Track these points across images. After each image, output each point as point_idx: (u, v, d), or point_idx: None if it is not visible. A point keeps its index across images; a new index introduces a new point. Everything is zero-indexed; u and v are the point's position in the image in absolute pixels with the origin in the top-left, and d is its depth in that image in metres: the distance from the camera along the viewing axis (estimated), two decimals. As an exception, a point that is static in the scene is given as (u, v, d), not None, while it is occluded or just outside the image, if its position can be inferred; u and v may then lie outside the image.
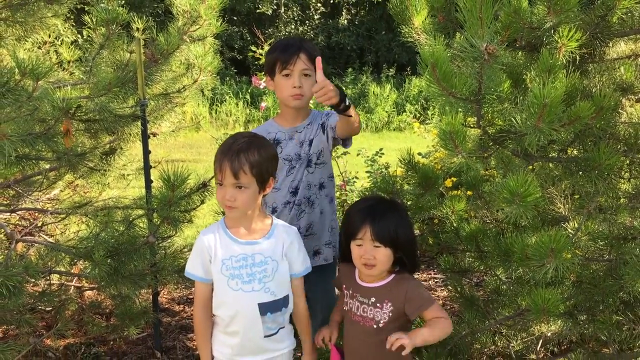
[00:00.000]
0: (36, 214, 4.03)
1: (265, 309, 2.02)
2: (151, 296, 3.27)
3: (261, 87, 5.51)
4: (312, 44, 2.47)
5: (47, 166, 3.05)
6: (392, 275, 2.06)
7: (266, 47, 5.59)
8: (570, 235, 2.21)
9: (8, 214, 3.77)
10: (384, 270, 2.03)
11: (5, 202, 3.52)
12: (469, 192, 3.19)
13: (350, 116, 2.21)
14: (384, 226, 1.99)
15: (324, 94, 2.05)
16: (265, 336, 2.04)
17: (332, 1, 16.79)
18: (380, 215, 2.02)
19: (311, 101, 2.51)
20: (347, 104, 2.15)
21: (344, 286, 2.16)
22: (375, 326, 2.03)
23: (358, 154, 5.54)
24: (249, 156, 1.92)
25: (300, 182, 2.40)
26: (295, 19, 16.51)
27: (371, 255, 1.99)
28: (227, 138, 2.06)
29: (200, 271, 2.05)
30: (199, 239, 2.06)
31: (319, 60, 2.13)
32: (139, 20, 3.04)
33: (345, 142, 2.42)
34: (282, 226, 2.11)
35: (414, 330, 1.97)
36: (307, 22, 16.59)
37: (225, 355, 2.09)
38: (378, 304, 2.03)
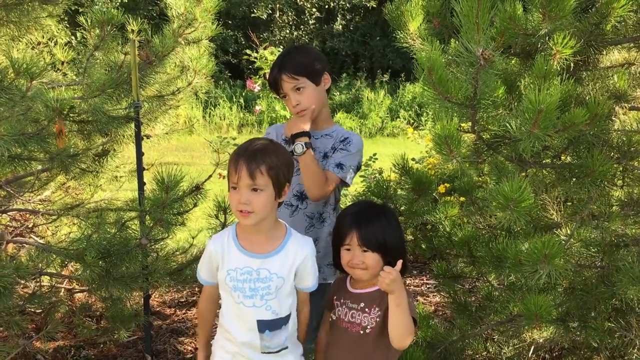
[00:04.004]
0: (27, 215, 4.00)
1: (264, 326, 1.96)
2: (142, 299, 3.25)
3: (256, 90, 5.51)
4: (303, 52, 2.40)
5: (39, 167, 3.02)
6: None
7: (261, 51, 5.59)
8: (563, 242, 2.22)
9: (-1, 214, 3.74)
10: (375, 275, 2.02)
11: (-4, 203, 3.49)
12: (462, 198, 3.20)
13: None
14: (371, 231, 2.00)
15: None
16: (263, 352, 1.99)
17: (327, 6, 16.82)
18: (367, 220, 2.03)
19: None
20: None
21: (335, 297, 2.14)
22: (361, 332, 2.02)
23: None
24: (266, 157, 1.87)
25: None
26: (290, 23, 16.52)
27: (360, 260, 2.00)
28: (243, 142, 2.01)
29: (207, 275, 2.05)
30: (208, 244, 2.03)
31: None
32: (134, 22, 3.03)
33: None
34: (296, 239, 2.00)
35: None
36: (302, 27, 16.60)
37: None
38: (366, 309, 2.03)
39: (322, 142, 2.35)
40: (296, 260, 1.96)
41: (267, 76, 2.38)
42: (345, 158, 2.29)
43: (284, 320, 2.00)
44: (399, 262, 1.92)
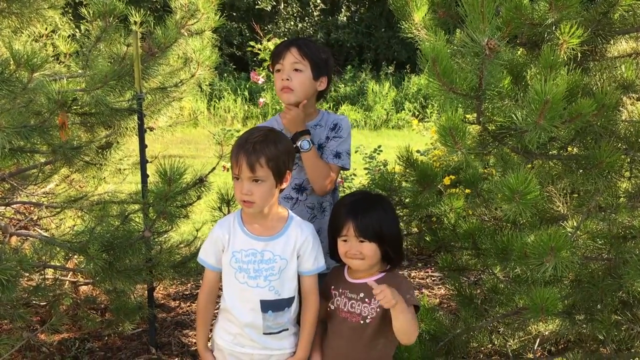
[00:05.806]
0: (31, 208, 4.01)
1: (267, 306, 2.01)
2: (146, 292, 3.25)
3: (260, 82, 5.48)
4: (314, 43, 2.41)
5: (43, 159, 3.02)
6: (383, 273, 2.07)
7: (265, 43, 5.56)
8: (570, 234, 2.19)
9: (3, 207, 3.74)
10: (372, 265, 2.03)
11: None
12: (467, 190, 3.18)
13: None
14: (368, 221, 1.99)
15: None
16: (265, 333, 2.04)
17: (331, -2, 16.76)
18: (364, 210, 2.02)
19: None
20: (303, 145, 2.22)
21: (332, 287, 2.14)
22: (362, 322, 2.03)
23: (356, 151, 5.53)
24: (265, 149, 1.91)
25: (308, 183, 2.34)
26: (295, 15, 16.45)
27: (357, 251, 2.00)
28: (243, 132, 2.04)
29: (213, 260, 2.07)
30: (214, 228, 2.08)
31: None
32: (137, 14, 3.01)
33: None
34: (297, 223, 2.07)
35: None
36: (306, 18, 16.53)
37: (226, 342, 2.09)
38: (366, 299, 2.03)
39: (315, 133, 2.36)
40: (297, 242, 2.02)
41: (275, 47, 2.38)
42: (340, 145, 2.34)
43: (287, 302, 2.04)
44: (384, 287, 1.88)
